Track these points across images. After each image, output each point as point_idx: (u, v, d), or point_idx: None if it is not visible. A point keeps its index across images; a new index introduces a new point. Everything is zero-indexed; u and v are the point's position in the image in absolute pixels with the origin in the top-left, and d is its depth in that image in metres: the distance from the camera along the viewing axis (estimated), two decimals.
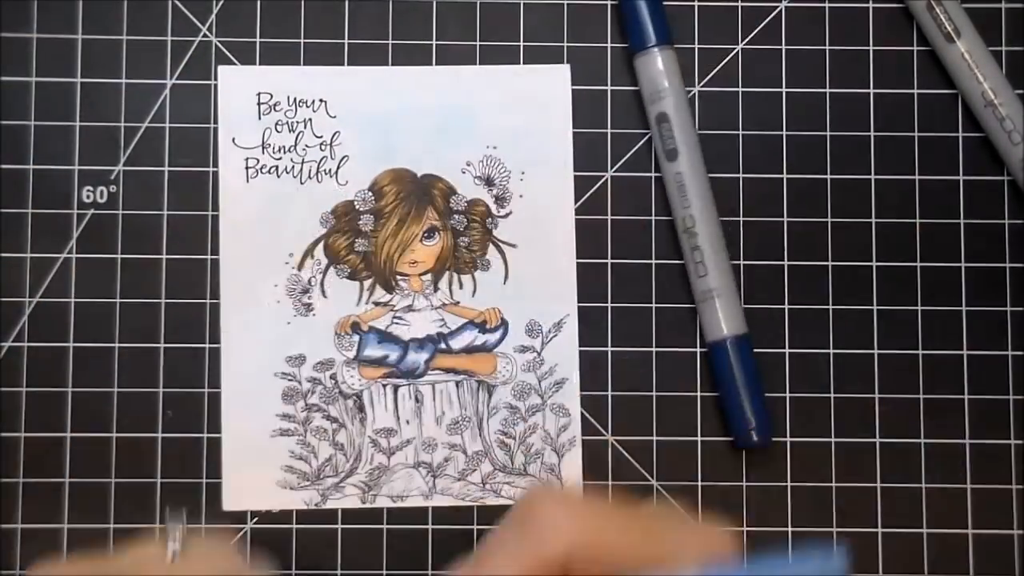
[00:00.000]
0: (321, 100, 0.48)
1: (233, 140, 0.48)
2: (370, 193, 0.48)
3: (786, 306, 0.48)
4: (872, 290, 0.48)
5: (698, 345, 0.48)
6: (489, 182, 0.48)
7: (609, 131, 0.48)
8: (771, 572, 0.29)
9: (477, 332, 0.48)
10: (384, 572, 0.47)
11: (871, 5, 0.49)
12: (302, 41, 0.48)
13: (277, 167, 0.48)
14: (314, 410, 0.47)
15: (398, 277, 0.48)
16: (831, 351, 0.48)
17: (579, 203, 0.48)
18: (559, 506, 0.38)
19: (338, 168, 0.48)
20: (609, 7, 0.49)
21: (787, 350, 0.48)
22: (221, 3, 0.48)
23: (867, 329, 0.48)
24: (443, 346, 0.48)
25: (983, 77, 0.48)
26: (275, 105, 0.48)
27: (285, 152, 0.48)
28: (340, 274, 0.48)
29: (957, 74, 0.48)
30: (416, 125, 0.48)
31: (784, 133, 0.48)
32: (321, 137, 0.48)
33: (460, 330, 0.48)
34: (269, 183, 0.48)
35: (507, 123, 0.48)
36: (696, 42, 0.49)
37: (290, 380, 0.48)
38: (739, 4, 0.49)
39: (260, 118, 0.48)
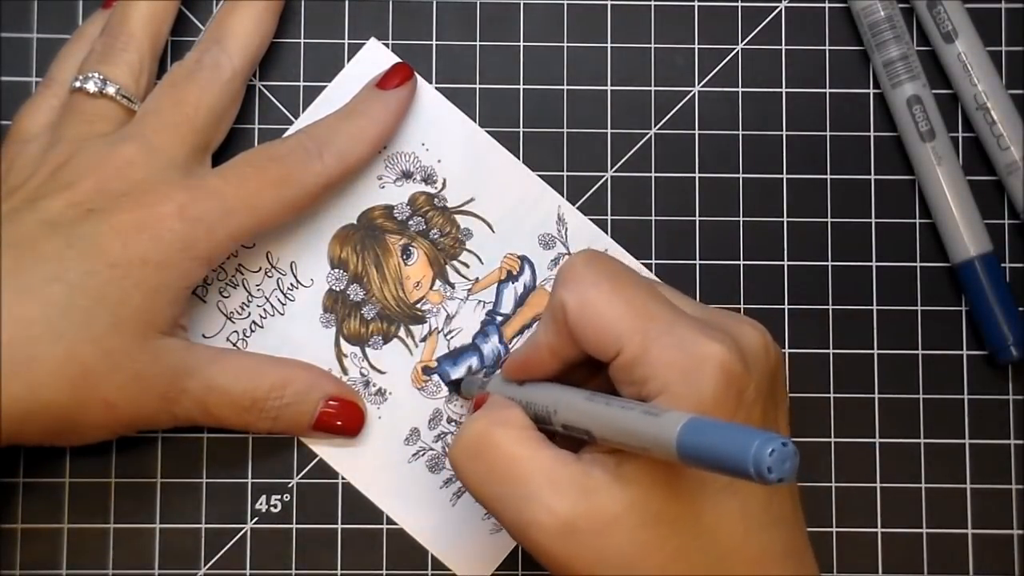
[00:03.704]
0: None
1: None
2: (337, 270, 0.48)
3: (786, 306, 0.48)
4: (872, 290, 0.48)
5: None
6: (408, 175, 0.48)
7: (609, 131, 0.48)
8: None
9: (512, 284, 0.48)
10: (384, 572, 0.47)
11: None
12: (302, 41, 0.48)
13: (254, 325, 0.48)
14: None
15: (417, 305, 0.48)
16: (831, 351, 0.48)
17: (579, 202, 0.48)
18: (580, 258, 0.40)
19: (294, 281, 0.48)
20: (609, 7, 0.49)
21: (787, 350, 0.48)
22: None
23: (867, 329, 0.48)
24: (500, 319, 0.48)
25: (977, 79, 0.48)
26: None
27: (251, 308, 0.48)
28: (376, 347, 0.48)
29: (953, 74, 0.48)
30: None
31: (784, 133, 0.49)
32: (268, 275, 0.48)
33: (499, 296, 0.48)
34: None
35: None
36: (696, 42, 0.49)
37: (429, 451, 0.48)
38: (739, 4, 0.49)
39: None
